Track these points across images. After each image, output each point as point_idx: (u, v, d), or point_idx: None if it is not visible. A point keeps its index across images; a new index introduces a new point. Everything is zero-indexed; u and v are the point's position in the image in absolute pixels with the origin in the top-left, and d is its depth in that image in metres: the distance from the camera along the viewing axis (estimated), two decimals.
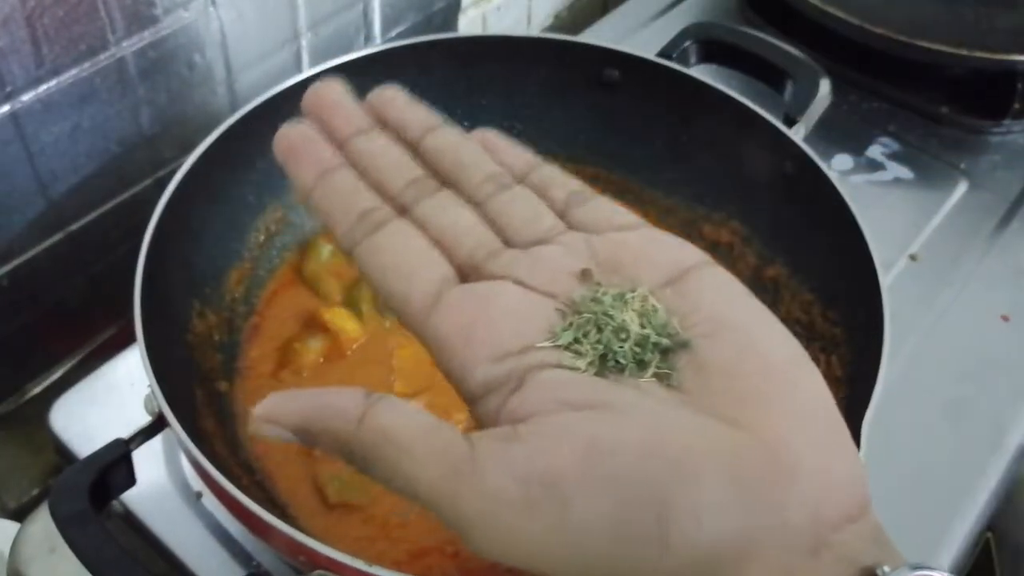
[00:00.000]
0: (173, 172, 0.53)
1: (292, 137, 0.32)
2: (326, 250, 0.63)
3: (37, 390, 0.64)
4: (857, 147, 0.77)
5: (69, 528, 0.41)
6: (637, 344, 0.27)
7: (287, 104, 0.59)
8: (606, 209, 0.31)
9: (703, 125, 0.63)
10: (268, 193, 0.62)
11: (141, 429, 0.45)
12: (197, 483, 0.53)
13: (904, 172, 0.76)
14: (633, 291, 0.28)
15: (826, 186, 0.56)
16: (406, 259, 0.29)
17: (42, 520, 0.48)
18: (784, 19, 0.82)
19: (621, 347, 0.27)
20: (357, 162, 0.31)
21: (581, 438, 0.24)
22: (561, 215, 0.31)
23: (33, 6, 0.50)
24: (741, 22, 0.85)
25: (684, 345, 0.27)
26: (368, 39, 0.73)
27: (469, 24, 0.84)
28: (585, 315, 0.27)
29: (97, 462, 0.43)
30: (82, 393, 0.57)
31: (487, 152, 0.32)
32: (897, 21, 0.76)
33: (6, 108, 0.52)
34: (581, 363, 0.26)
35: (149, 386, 0.45)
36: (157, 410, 0.45)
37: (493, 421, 0.26)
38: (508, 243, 0.30)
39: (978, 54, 0.75)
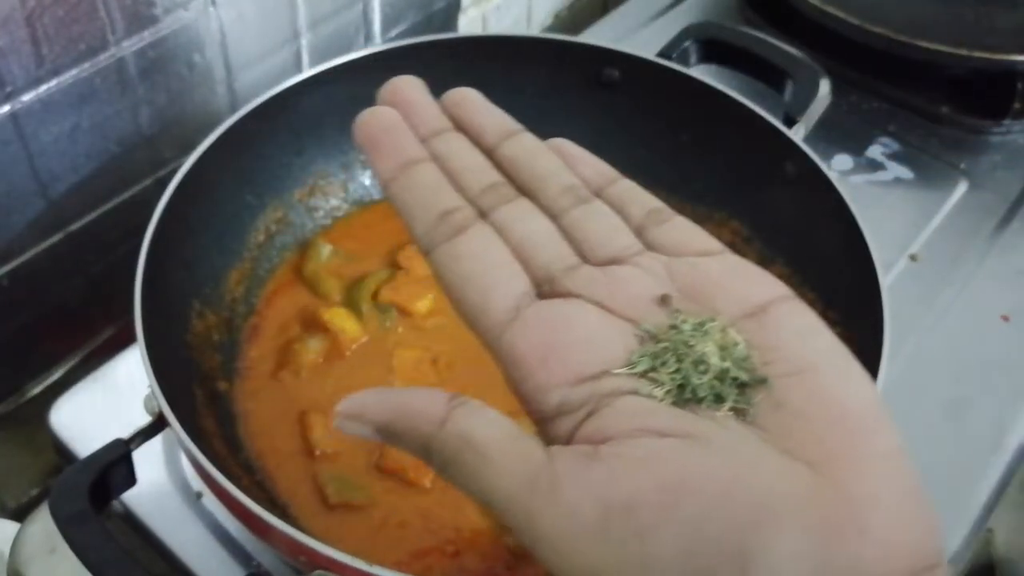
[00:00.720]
0: (173, 172, 0.53)
1: (373, 125, 0.30)
2: (326, 250, 0.63)
3: (37, 390, 0.64)
4: (857, 147, 0.77)
5: (69, 528, 0.41)
6: (716, 377, 0.26)
7: (287, 104, 0.59)
8: (686, 231, 0.30)
9: (703, 125, 0.63)
10: (268, 193, 0.62)
11: (141, 429, 0.45)
12: (197, 483, 0.53)
13: (904, 172, 0.76)
14: (713, 321, 0.27)
15: (826, 186, 0.56)
16: (486, 270, 0.28)
17: (42, 520, 0.48)
18: (784, 19, 0.82)
19: (700, 379, 0.26)
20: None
21: (669, 467, 0.24)
22: (638, 233, 0.30)
23: (33, 6, 0.50)
24: (741, 22, 0.85)
25: (763, 382, 0.26)
26: (368, 39, 0.73)
27: (469, 24, 0.84)
28: (663, 343, 0.27)
29: (97, 462, 0.43)
30: (82, 393, 0.57)
31: (564, 162, 0.32)
32: (897, 21, 0.76)
33: (6, 108, 0.52)
34: (658, 392, 0.26)
35: (149, 386, 0.45)
36: (157, 410, 0.45)
37: (565, 443, 0.26)
38: (583, 259, 0.29)
39: (978, 54, 0.75)
